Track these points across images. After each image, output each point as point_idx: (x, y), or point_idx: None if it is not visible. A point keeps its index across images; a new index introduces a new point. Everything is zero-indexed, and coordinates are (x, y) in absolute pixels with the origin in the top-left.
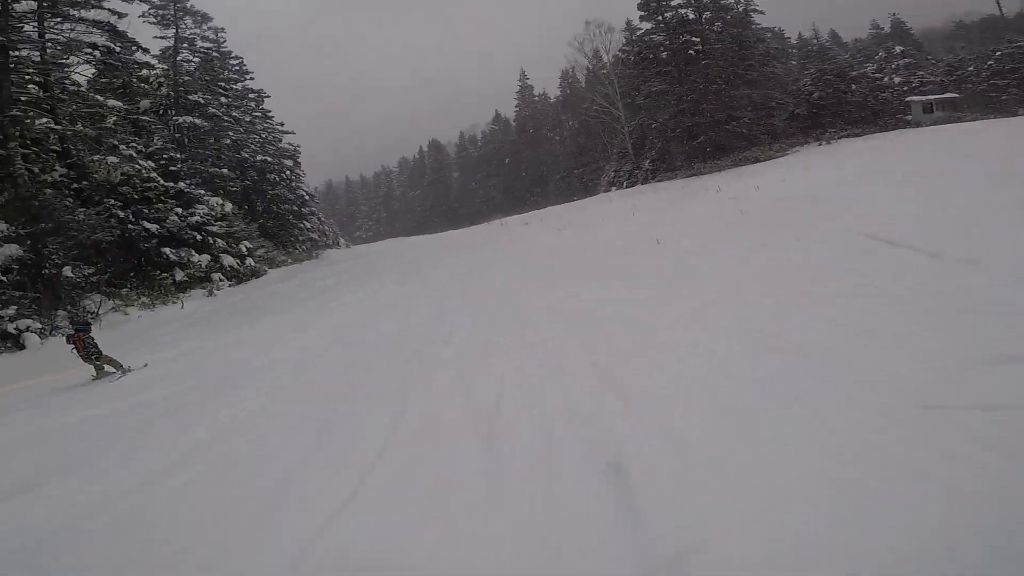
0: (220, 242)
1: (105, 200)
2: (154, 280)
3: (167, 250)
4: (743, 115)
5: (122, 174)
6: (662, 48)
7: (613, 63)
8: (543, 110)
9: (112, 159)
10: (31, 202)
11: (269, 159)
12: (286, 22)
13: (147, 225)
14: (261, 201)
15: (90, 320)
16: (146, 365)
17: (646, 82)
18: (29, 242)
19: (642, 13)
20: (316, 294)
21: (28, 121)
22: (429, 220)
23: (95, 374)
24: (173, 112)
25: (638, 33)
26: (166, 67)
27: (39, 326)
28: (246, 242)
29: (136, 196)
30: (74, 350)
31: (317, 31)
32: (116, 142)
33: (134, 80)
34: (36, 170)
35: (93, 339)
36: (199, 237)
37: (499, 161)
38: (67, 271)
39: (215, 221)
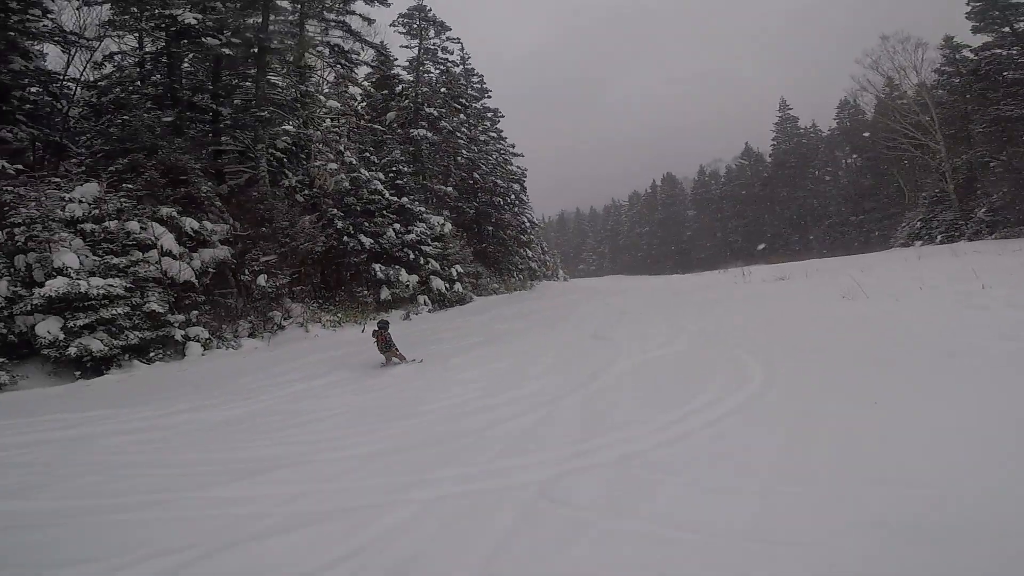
0: (433, 263)
1: (329, 210)
2: (356, 297)
3: (377, 266)
4: None
5: (349, 185)
6: (1012, 65)
7: (927, 85)
8: (811, 144)
9: (332, 166)
10: (258, 205)
11: (499, 181)
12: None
13: (362, 239)
14: (488, 224)
15: (387, 320)
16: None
17: (987, 107)
18: (240, 245)
19: (975, 24)
20: (488, 341)
21: (275, 125)
22: (656, 260)
23: (384, 362)
24: (410, 125)
25: (964, 51)
26: (412, 79)
27: (206, 335)
28: (458, 266)
29: (359, 208)
30: (376, 342)
31: (564, 72)
32: (342, 148)
33: (385, 94)
34: (288, 173)
35: (390, 335)
36: (412, 256)
37: (745, 200)
38: (262, 279)
39: (431, 241)
